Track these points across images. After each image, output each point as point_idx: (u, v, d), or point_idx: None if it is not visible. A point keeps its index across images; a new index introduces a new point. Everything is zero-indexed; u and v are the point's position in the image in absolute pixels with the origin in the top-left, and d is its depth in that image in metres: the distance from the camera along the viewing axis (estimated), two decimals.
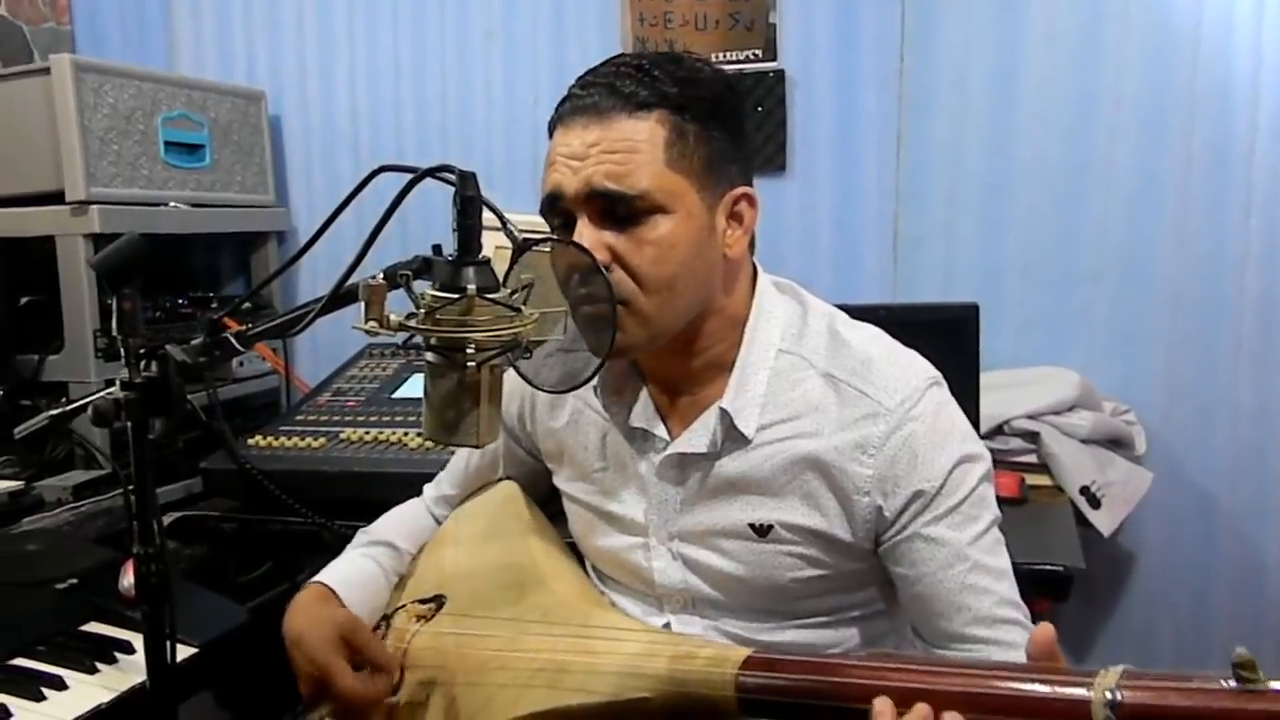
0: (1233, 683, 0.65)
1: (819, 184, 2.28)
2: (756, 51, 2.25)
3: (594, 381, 1.19)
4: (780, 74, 2.25)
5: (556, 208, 1.08)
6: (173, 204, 2.19)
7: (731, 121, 1.12)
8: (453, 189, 0.88)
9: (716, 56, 2.25)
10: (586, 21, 2.38)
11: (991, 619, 1.06)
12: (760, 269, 1.19)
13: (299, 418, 1.99)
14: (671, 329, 1.10)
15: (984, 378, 1.80)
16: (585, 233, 1.05)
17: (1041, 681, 0.74)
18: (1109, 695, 0.68)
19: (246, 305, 2.24)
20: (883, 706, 0.79)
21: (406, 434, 1.86)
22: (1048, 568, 1.53)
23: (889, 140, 2.23)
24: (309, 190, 2.62)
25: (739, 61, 2.25)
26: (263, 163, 2.50)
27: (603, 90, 1.06)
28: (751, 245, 1.17)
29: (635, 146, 1.04)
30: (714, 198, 1.09)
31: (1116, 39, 2.08)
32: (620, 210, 1.05)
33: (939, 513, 1.07)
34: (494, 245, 0.91)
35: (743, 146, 1.14)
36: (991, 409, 1.91)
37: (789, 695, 0.88)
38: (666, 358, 1.15)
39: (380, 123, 2.57)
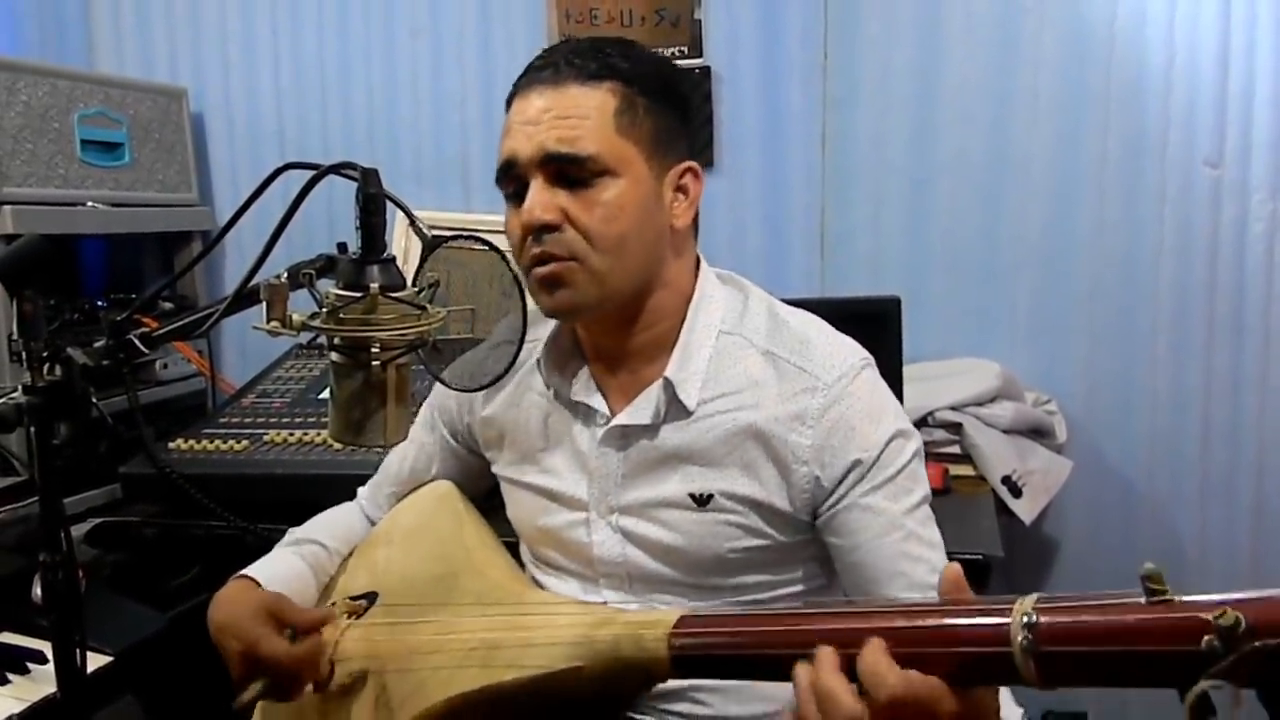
0: (1143, 598, 0.67)
1: (747, 180, 2.30)
2: (682, 48, 2.26)
3: (540, 360, 1.23)
4: (706, 70, 2.26)
5: (511, 173, 1.12)
6: (91, 204, 2.15)
7: (679, 101, 1.19)
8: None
9: None
10: (513, 18, 2.37)
11: (926, 586, 1.09)
12: (704, 260, 1.24)
13: (222, 420, 1.96)
14: (622, 290, 1.13)
15: (908, 370, 1.83)
16: (539, 194, 1.09)
17: (962, 614, 0.76)
18: (1026, 618, 0.70)
19: (170, 307, 2.21)
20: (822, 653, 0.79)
21: None
22: (967, 556, 1.55)
23: (814, 136, 2.25)
24: (234, 189, 2.58)
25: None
26: (185, 161, 2.46)
27: (558, 62, 1.12)
28: (696, 230, 1.22)
29: (587, 113, 1.09)
30: (661, 169, 1.14)
31: (1033, 35, 2.12)
32: (572, 173, 1.09)
33: (876, 483, 1.11)
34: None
35: (688, 126, 1.20)
36: (915, 401, 1.94)
37: (721, 650, 0.90)
38: (609, 332, 1.18)
39: (306, 120, 2.54)
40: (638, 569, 1.19)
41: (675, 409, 1.15)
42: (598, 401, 1.20)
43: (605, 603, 1.20)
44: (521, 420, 1.26)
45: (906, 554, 1.11)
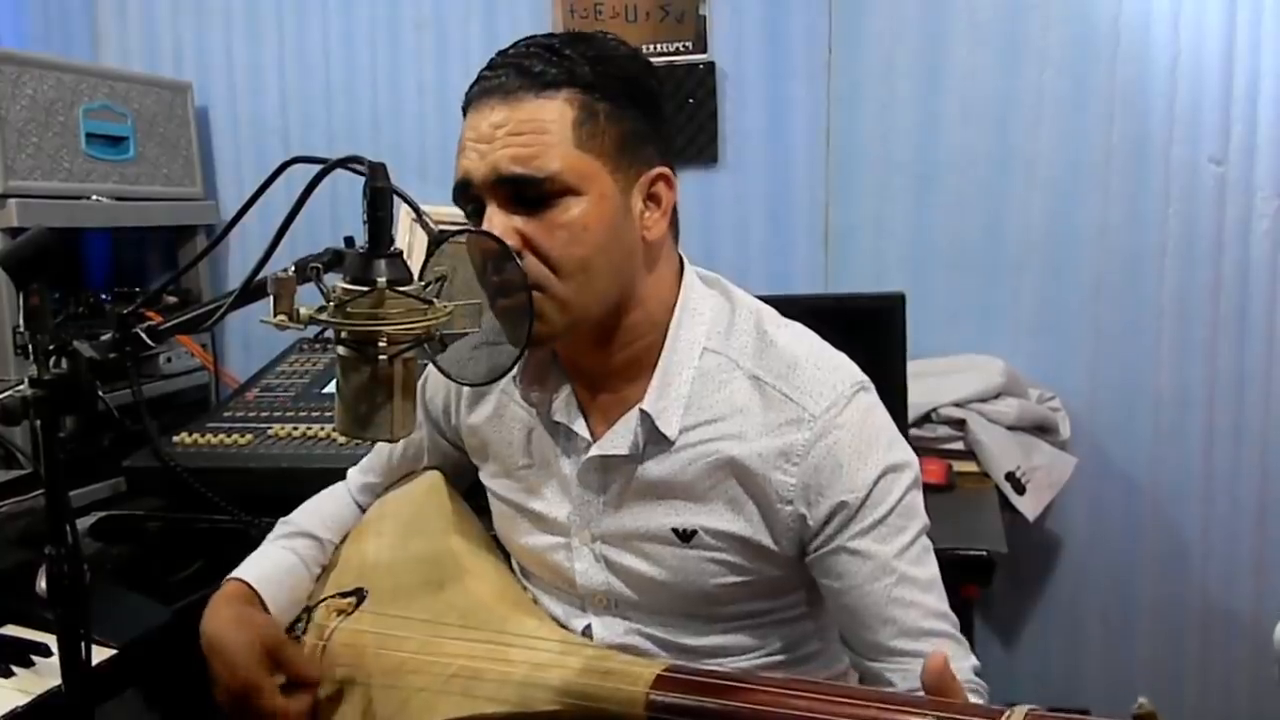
0: None
1: (750, 176, 2.30)
2: (687, 43, 2.26)
3: (517, 375, 1.16)
4: (711, 66, 2.26)
5: (467, 194, 1.05)
6: (95, 197, 2.15)
7: (646, 101, 1.08)
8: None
9: (647, 48, 2.24)
10: (518, 12, 2.37)
11: (918, 632, 1.05)
12: (687, 262, 1.16)
13: (226, 414, 1.95)
14: (591, 315, 1.06)
15: (912, 366, 1.83)
16: (494, 218, 1.01)
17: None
18: None
19: (173, 300, 2.21)
20: None
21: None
22: (971, 553, 1.55)
23: (818, 132, 2.25)
24: (238, 183, 2.58)
25: (669, 53, 2.26)
26: (189, 155, 2.46)
27: (511, 70, 1.03)
28: (675, 233, 1.14)
29: (543, 127, 1.01)
30: (628, 179, 1.05)
31: (1038, 32, 2.13)
32: (529, 194, 1.01)
33: (864, 526, 1.05)
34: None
35: (659, 127, 1.10)
36: (919, 397, 1.94)
37: (698, 716, 0.89)
38: (587, 352, 1.12)
39: (310, 114, 2.54)
40: (622, 597, 1.15)
41: (655, 439, 1.09)
42: (579, 425, 1.13)
43: (590, 625, 1.18)
44: (504, 434, 1.21)
45: (898, 600, 1.05)
